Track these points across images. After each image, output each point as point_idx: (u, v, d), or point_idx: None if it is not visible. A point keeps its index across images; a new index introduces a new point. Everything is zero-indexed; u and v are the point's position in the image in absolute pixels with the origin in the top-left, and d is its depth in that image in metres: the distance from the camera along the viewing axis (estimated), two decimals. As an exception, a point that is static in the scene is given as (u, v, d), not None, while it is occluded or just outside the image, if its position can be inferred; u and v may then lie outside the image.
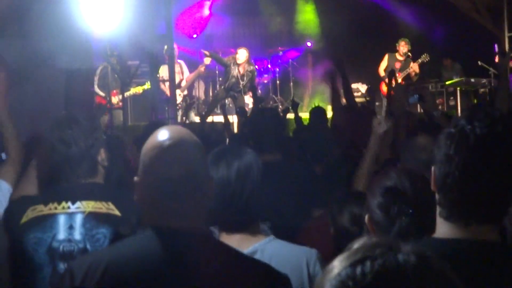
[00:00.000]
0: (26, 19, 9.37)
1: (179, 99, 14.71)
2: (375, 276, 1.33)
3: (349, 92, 8.03)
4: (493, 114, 2.19)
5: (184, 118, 13.63)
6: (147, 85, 13.39)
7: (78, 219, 3.30)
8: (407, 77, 15.13)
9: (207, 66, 15.47)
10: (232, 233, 2.99)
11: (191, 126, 12.72)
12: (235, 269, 2.44)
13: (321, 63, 18.95)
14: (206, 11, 17.79)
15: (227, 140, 8.23)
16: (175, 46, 15.70)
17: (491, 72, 16.34)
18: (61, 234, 3.28)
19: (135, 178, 2.46)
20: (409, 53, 15.23)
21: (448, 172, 2.18)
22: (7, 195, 3.97)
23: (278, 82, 17.85)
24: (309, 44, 18.88)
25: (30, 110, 9.11)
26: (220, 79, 15.74)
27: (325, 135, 5.88)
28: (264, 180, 4.74)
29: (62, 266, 3.26)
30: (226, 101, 16.13)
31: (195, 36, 17.35)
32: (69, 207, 3.32)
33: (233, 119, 13.17)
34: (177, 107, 13.83)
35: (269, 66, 17.78)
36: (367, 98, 14.63)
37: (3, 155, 5.72)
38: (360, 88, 17.25)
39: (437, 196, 2.25)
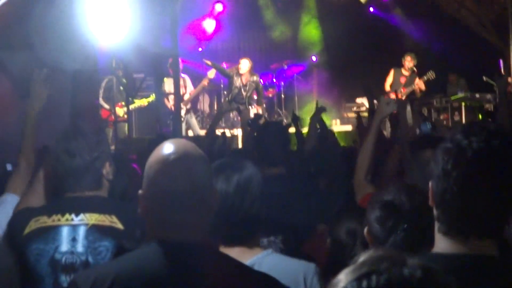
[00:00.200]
0: (31, 31, 9.39)
1: (182, 112, 14.72)
2: (381, 290, 1.32)
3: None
4: (489, 128, 2.19)
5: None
6: (152, 98, 13.41)
7: (81, 231, 3.30)
8: (412, 93, 15.13)
9: (211, 80, 15.48)
10: (230, 246, 2.98)
11: (197, 139, 12.74)
12: (239, 281, 2.44)
13: (325, 77, 19.01)
14: (211, 24, 17.82)
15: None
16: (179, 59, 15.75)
17: (496, 88, 16.33)
18: (64, 246, 3.28)
19: (140, 191, 2.45)
20: (415, 68, 15.23)
21: (446, 187, 2.17)
22: None
23: (283, 96, 17.86)
24: (314, 58, 18.89)
25: (37, 122, 9.13)
26: (225, 92, 15.76)
27: (330, 149, 5.88)
28: (268, 194, 4.75)
29: (63, 278, 3.26)
30: (231, 114, 16.14)
31: (200, 49, 17.38)
32: (72, 219, 3.32)
33: (238, 132, 13.22)
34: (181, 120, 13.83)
35: (274, 80, 17.79)
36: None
37: (9, 166, 5.73)
38: (365, 102, 17.24)
39: (435, 211, 2.24)
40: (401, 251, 1.86)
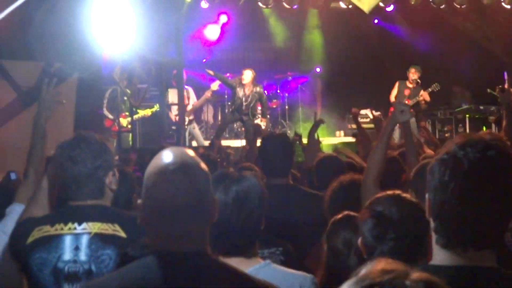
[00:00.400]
0: (36, 40, 9.42)
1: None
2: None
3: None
4: (485, 139, 2.18)
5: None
6: (156, 108, 13.42)
7: (84, 240, 3.30)
8: (416, 104, 15.12)
9: (215, 91, 15.51)
10: (228, 257, 2.98)
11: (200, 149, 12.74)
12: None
13: (329, 88, 19.01)
14: (215, 31, 17.83)
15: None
16: (189, 72, 15.81)
17: (500, 101, 16.30)
18: (67, 255, 3.28)
19: (139, 201, 2.44)
20: (419, 80, 15.23)
21: (444, 199, 2.16)
22: None
23: (286, 107, 17.88)
24: (318, 69, 18.91)
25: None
26: (229, 103, 15.78)
27: (332, 161, 5.87)
28: (271, 205, 4.75)
29: (67, 287, 3.26)
30: (235, 125, 16.15)
31: (204, 60, 17.39)
32: (75, 228, 3.32)
33: (242, 143, 13.21)
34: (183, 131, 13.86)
35: (278, 91, 17.80)
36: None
37: (13, 175, 5.73)
38: (368, 114, 17.25)
39: (432, 223, 2.23)
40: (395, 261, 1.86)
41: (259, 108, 15.03)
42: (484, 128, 16.50)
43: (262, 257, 3.19)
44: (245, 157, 9.16)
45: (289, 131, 16.98)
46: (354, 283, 1.38)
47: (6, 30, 9.50)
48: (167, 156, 2.41)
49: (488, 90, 16.29)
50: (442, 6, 17.26)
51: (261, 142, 5.41)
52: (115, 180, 3.50)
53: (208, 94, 15.27)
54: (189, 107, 15.00)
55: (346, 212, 3.55)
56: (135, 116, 12.83)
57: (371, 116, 17.05)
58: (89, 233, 3.31)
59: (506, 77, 16.05)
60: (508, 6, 16.29)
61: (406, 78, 15.49)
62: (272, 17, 18.25)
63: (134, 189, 4.47)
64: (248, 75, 14.39)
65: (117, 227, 3.32)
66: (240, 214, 3.04)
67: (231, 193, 3.06)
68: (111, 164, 3.51)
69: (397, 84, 15.44)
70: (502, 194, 2.13)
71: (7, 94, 9.71)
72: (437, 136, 16.16)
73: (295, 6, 17.02)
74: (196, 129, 15.40)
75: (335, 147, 12.57)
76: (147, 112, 13.73)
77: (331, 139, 16.51)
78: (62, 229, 3.32)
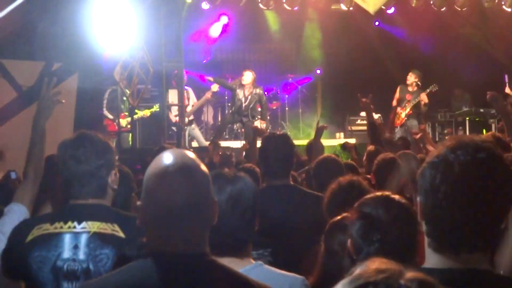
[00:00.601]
0: (37, 41, 9.43)
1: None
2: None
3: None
4: (475, 141, 2.19)
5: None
6: (155, 108, 13.42)
7: (83, 239, 3.31)
8: (416, 106, 15.11)
9: (215, 93, 15.54)
10: (220, 256, 2.99)
11: (202, 150, 12.75)
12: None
13: (330, 90, 19.00)
14: (216, 33, 17.85)
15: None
16: (189, 73, 15.81)
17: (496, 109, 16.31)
18: (66, 253, 3.29)
19: (138, 202, 2.44)
20: (419, 83, 15.19)
21: (435, 202, 2.16)
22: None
23: (286, 108, 17.88)
24: (318, 71, 18.90)
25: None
26: (229, 104, 15.79)
27: (331, 163, 5.88)
28: (273, 205, 4.75)
29: (66, 285, 3.27)
30: (235, 126, 16.14)
31: (204, 61, 17.42)
32: (75, 227, 3.33)
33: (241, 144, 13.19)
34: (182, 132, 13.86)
35: (278, 92, 17.80)
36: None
37: (13, 174, 5.75)
38: (368, 116, 17.24)
39: (424, 227, 2.23)
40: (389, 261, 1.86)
41: (259, 109, 15.03)
42: (485, 131, 16.52)
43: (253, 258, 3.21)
44: (246, 157, 9.17)
45: (289, 133, 16.98)
46: (349, 282, 1.39)
47: (6, 29, 9.52)
48: (167, 157, 2.40)
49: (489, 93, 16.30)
50: (443, 9, 17.26)
51: (261, 143, 5.42)
52: (116, 180, 3.51)
53: (208, 95, 15.27)
54: (188, 108, 15.00)
55: (344, 214, 3.56)
56: (135, 116, 12.84)
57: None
58: (88, 232, 3.31)
59: (506, 79, 16.07)
60: (509, 9, 16.29)
61: (406, 82, 15.48)
62: (272, 19, 18.25)
63: (132, 189, 4.47)
64: (248, 76, 14.40)
65: (116, 227, 3.33)
66: (233, 214, 3.05)
67: (224, 193, 3.08)
68: (114, 163, 3.53)
69: (398, 89, 15.42)
70: (493, 196, 2.13)
71: (7, 93, 9.72)
72: (437, 139, 16.18)
73: (296, 8, 17.01)
74: (196, 129, 15.40)
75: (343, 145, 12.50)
76: (146, 112, 13.73)
77: (331, 141, 16.51)
78: (62, 227, 3.33)
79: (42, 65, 9.46)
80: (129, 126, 13.05)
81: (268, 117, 16.98)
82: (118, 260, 3.07)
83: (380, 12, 17.03)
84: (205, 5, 16.68)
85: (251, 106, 14.35)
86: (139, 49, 11.46)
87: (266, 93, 16.41)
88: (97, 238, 3.30)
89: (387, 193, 3.06)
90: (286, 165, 5.18)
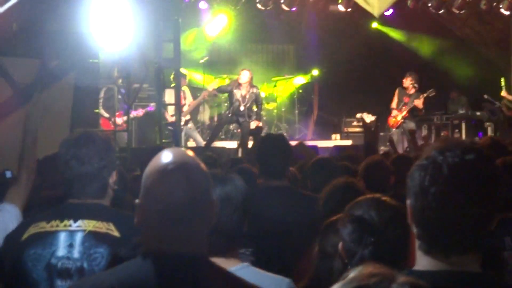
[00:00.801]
0: (34, 39, 9.42)
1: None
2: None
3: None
4: (464, 143, 2.20)
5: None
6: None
7: (78, 237, 3.31)
8: (413, 109, 15.14)
9: (212, 92, 15.56)
10: None
11: (195, 150, 12.73)
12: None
13: (326, 91, 19.02)
14: (214, 33, 17.87)
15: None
16: (186, 72, 15.82)
17: (497, 106, 16.37)
18: (60, 251, 3.29)
19: (136, 201, 2.40)
20: (416, 85, 15.20)
21: (425, 204, 2.16)
22: (16, 220, 3.97)
23: (283, 109, 17.88)
24: (315, 72, 18.90)
25: (38, 128, 9.14)
26: (226, 104, 15.79)
27: (326, 165, 5.89)
28: (269, 206, 4.75)
29: (59, 283, 3.26)
30: (231, 126, 16.14)
31: (202, 61, 17.41)
32: (70, 225, 3.33)
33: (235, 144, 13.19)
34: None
35: (275, 93, 17.79)
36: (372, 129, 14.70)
37: (8, 173, 5.73)
38: (365, 118, 17.27)
39: (415, 229, 2.23)
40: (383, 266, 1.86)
41: (255, 109, 15.02)
42: (481, 134, 16.55)
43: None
44: (247, 156, 9.16)
45: (285, 134, 16.98)
46: (341, 286, 1.40)
47: (3, 27, 9.50)
48: (166, 156, 2.38)
49: (485, 96, 16.35)
50: (441, 11, 17.28)
51: (259, 143, 5.42)
52: (117, 180, 3.52)
53: (205, 95, 15.29)
54: (185, 108, 15.00)
55: (339, 216, 3.56)
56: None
57: (367, 120, 17.08)
58: (84, 230, 3.31)
59: (503, 83, 16.13)
60: (507, 12, 16.31)
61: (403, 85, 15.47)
62: (270, 19, 18.25)
63: (127, 189, 4.48)
64: (245, 76, 14.38)
65: (112, 226, 3.33)
66: (221, 214, 3.04)
67: (214, 193, 3.08)
68: (115, 163, 3.53)
69: (397, 91, 15.45)
70: (482, 198, 2.14)
71: (4, 91, 9.70)
72: (433, 142, 16.18)
73: (294, 9, 17.02)
74: (193, 129, 15.41)
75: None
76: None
77: (327, 142, 16.52)
78: (57, 225, 3.33)
79: (39, 63, 9.44)
80: (124, 125, 13.06)
81: (265, 118, 17.00)
82: (112, 260, 3.07)
83: (378, 14, 17.04)
84: (203, 5, 16.69)
85: (248, 105, 14.34)
86: (136, 48, 11.45)
87: (263, 93, 16.41)
88: (92, 236, 3.30)
89: (378, 195, 3.05)
90: (282, 166, 5.19)
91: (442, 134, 16.96)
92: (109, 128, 13.14)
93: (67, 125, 9.54)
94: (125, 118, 12.93)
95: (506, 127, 16.48)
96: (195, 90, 16.43)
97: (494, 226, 2.21)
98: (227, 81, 16.54)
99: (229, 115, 14.49)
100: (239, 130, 15.07)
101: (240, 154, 12.01)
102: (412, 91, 15.15)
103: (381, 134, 15.74)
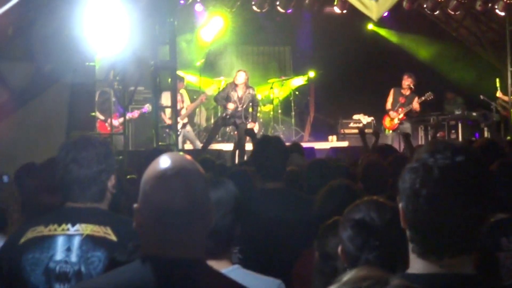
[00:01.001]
0: (30, 42, 9.42)
1: (178, 126, 14.76)
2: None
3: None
4: (454, 145, 2.20)
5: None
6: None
7: (76, 241, 3.31)
8: (410, 111, 15.15)
9: (209, 96, 15.59)
10: None
11: (191, 153, 12.74)
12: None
13: (323, 92, 19.02)
14: (209, 37, 17.87)
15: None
16: (184, 75, 15.83)
17: (493, 107, 16.39)
18: (58, 255, 3.30)
19: (135, 205, 2.40)
20: (412, 86, 15.21)
21: (416, 207, 2.17)
22: None
23: (279, 111, 17.87)
24: (311, 74, 18.90)
25: (33, 132, 9.15)
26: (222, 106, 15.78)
27: (322, 166, 5.89)
28: (266, 208, 4.76)
29: (57, 287, 3.27)
30: (228, 128, 16.13)
31: (198, 63, 17.41)
32: (68, 229, 3.34)
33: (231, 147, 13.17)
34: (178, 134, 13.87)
35: (271, 95, 17.79)
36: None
37: (5, 178, 5.73)
38: (361, 119, 17.28)
39: (408, 232, 2.23)
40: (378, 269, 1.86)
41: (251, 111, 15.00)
42: (477, 134, 16.57)
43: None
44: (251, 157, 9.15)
45: (281, 135, 16.97)
46: None
47: (2, 30, 9.50)
48: (164, 161, 2.38)
49: (481, 97, 16.37)
50: (436, 12, 17.30)
51: (256, 145, 5.42)
52: (116, 184, 3.53)
53: (203, 98, 15.30)
54: (183, 111, 15.01)
55: (336, 218, 3.55)
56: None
57: (364, 122, 17.09)
58: (81, 234, 3.32)
59: (498, 84, 16.15)
60: (502, 13, 16.33)
61: (399, 84, 15.48)
62: (266, 21, 18.26)
63: (123, 192, 4.48)
64: (241, 76, 14.37)
65: (109, 230, 3.34)
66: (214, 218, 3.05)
67: None
68: (114, 167, 3.54)
69: (392, 92, 15.44)
70: (473, 199, 2.14)
71: (-1, 94, 9.70)
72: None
73: (290, 10, 17.03)
74: (190, 132, 15.41)
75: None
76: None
77: (324, 144, 16.53)
78: (55, 229, 3.34)
79: (35, 66, 9.44)
80: (120, 127, 13.05)
81: (261, 120, 16.99)
82: (109, 264, 3.07)
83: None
84: (198, 7, 16.68)
85: (244, 106, 14.33)
86: (132, 50, 11.44)
87: (259, 95, 16.40)
88: (89, 240, 3.31)
89: (375, 197, 3.04)
90: (279, 168, 5.19)
91: (438, 135, 16.98)
92: (105, 130, 13.13)
93: (63, 128, 9.54)
94: (121, 120, 12.93)
95: (501, 127, 16.53)
96: (192, 93, 16.43)
97: (489, 227, 2.21)
98: (223, 83, 16.53)
99: (227, 116, 14.48)
100: (235, 132, 15.06)
101: (236, 156, 11.98)
102: (408, 92, 15.15)
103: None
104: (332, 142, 17.22)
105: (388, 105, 15.34)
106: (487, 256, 3.44)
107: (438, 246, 2.16)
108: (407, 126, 15.06)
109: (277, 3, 16.73)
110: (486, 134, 16.60)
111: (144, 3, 11.96)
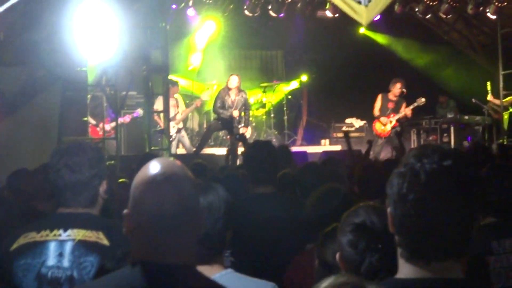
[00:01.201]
0: (22, 47, 9.41)
1: (173, 131, 14.76)
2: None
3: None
4: (441, 149, 2.19)
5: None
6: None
7: (68, 246, 3.31)
8: (401, 118, 15.04)
9: (203, 100, 15.59)
10: None
11: (184, 157, 12.74)
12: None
13: (315, 96, 19.04)
14: (202, 42, 17.89)
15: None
16: (178, 80, 15.84)
17: (485, 110, 16.43)
18: (51, 261, 3.30)
19: (125, 211, 2.40)
20: (404, 90, 15.07)
21: (404, 212, 2.16)
22: None
23: (272, 115, 17.87)
24: (304, 78, 18.92)
25: (25, 137, 9.14)
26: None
27: (314, 170, 5.89)
28: (257, 213, 4.75)
29: (50, 292, 3.27)
30: (220, 133, 16.13)
31: (190, 68, 17.43)
32: (60, 235, 3.34)
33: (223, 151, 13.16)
34: (171, 139, 13.85)
35: (264, 99, 17.81)
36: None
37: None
38: (354, 123, 17.28)
39: (396, 237, 2.23)
40: (377, 273, 1.86)
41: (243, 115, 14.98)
42: (470, 138, 16.60)
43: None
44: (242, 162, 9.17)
45: (274, 140, 16.98)
46: None
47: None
48: (154, 167, 2.38)
49: (473, 100, 16.40)
50: (428, 16, 17.34)
51: (247, 150, 5.42)
52: (107, 189, 3.53)
53: (198, 103, 15.32)
54: (178, 116, 15.01)
55: (335, 224, 3.55)
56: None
57: (356, 125, 17.10)
58: (73, 239, 3.32)
59: (489, 87, 16.17)
60: (493, 17, 16.38)
61: (388, 90, 15.30)
62: (258, 25, 18.27)
63: (113, 195, 4.48)
64: (235, 80, 14.35)
65: (101, 235, 3.34)
66: (205, 223, 3.05)
67: None
68: (106, 172, 3.54)
69: (379, 97, 15.24)
70: (460, 204, 2.13)
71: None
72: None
73: (282, 15, 17.05)
74: (185, 137, 15.39)
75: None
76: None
77: (316, 148, 16.54)
78: (47, 235, 3.34)
79: (26, 71, 9.43)
80: (112, 131, 13.04)
81: (254, 124, 16.99)
82: (99, 271, 3.07)
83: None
84: (191, 12, 16.69)
85: (237, 109, 14.31)
86: (123, 55, 11.44)
87: (251, 99, 16.41)
88: (81, 246, 3.31)
89: (370, 202, 3.03)
90: (270, 172, 5.20)
91: (431, 138, 17.01)
92: (97, 135, 13.11)
93: (55, 133, 9.53)
94: (112, 124, 12.92)
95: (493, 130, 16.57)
96: (184, 97, 16.43)
97: (479, 231, 2.21)
98: (215, 88, 16.54)
99: (217, 120, 14.47)
100: (228, 137, 15.05)
101: (230, 161, 11.99)
102: (396, 97, 15.01)
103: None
104: (325, 146, 17.24)
105: (376, 111, 15.15)
106: (477, 260, 3.44)
107: (425, 250, 2.16)
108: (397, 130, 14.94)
109: (269, 7, 16.74)
110: (479, 137, 16.65)
111: (136, 7, 11.97)
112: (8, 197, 5.24)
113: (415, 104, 14.91)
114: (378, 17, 16.63)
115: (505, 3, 15.86)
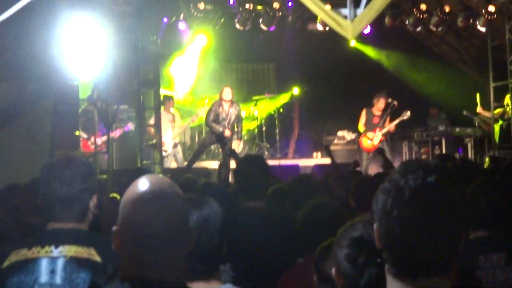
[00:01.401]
0: (13, 62, 9.40)
1: (170, 146, 14.78)
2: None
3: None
4: (426, 165, 2.18)
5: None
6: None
7: (60, 263, 3.31)
8: (387, 133, 15.03)
9: (199, 116, 15.65)
10: (188, 281, 2.99)
11: (175, 172, 12.72)
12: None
13: (307, 109, 19.06)
14: (194, 57, 17.92)
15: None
16: (173, 95, 15.88)
17: (476, 122, 16.47)
18: (43, 278, 3.29)
19: (114, 228, 2.42)
20: (395, 103, 15.04)
21: (389, 228, 2.15)
22: None
23: (264, 128, 17.87)
24: (295, 90, 18.94)
25: (17, 152, 9.13)
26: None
27: (305, 184, 5.90)
28: (248, 227, 4.75)
29: (42, 310, 3.26)
30: (212, 146, 16.12)
31: (181, 82, 17.45)
32: (52, 251, 3.33)
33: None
34: (164, 153, 13.86)
35: (256, 112, 17.81)
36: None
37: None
38: (346, 135, 17.29)
39: (383, 253, 2.21)
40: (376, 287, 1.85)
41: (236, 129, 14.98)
42: (461, 150, 16.64)
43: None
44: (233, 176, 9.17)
45: (266, 153, 16.98)
46: None
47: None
48: (143, 184, 2.40)
49: (464, 112, 16.44)
50: (419, 29, 17.39)
51: (237, 164, 5.43)
52: (98, 204, 3.53)
53: (194, 118, 15.37)
54: (175, 131, 15.03)
55: (331, 239, 3.55)
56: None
57: (348, 138, 17.10)
58: (65, 256, 3.32)
59: (478, 99, 16.21)
60: (483, 29, 16.45)
61: (372, 105, 15.24)
62: (250, 38, 18.29)
63: (103, 210, 4.47)
64: (228, 92, 14.35)
65: (93, 251, 3.34)
66: (200, 239, 3.05)
67: (191, 218, 3.08)
68: (96, 187, 3.54)
69: (364, 112, 15.23)
70: (444, 220, 2.12)
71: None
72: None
73: (272, 28, 17.07)
74: (180, 153, 15.38)
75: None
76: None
77: (308, 160, 16.55)
78: (39, 252, 3.33)
79: (17, 86, 9.42)
80: (103, 146, 13.03)
81: (246, 137, 16.99)
82: (91, 286, 3.07)
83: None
84: (182, 25, 16.70)
85: (231, 123, 14.30)
86: (115, 69, 11.44)
87: (243, 112, 16.40)
88: (73, 262, 3.31)
89: (366, 217, 3.01)
90: (261, 187, 5.20)
91: (422, 150, 17.03)
92: (88, 149, 13.10)
93: (47, 148, 9.52)
94: (104, 138, 12.90)
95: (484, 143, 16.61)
96: (181, 112, 16.47)
97: (466, 245, 2.20)
98: (207, 101, 16.57)
99: (210, 133, 14.47)
100: (220, 150, 15.04)
101: (222, 175, 11.97)
102: (380, 112, 15.00)
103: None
104: (317, 158, 17.24)
105: (361, 126, 15.15)
106: (466, 275, 3.43)
107: (412, 267, 2.15)
108: (385, 147, 14.83)
109: (260, 20, 16.76)
110: (470, 149, 16.69)
111: (127, 21, 11.98)
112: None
113: (400, 118, 14.89)
114: (369, 30, 16.68)
115: (495, 16, 15.94)
